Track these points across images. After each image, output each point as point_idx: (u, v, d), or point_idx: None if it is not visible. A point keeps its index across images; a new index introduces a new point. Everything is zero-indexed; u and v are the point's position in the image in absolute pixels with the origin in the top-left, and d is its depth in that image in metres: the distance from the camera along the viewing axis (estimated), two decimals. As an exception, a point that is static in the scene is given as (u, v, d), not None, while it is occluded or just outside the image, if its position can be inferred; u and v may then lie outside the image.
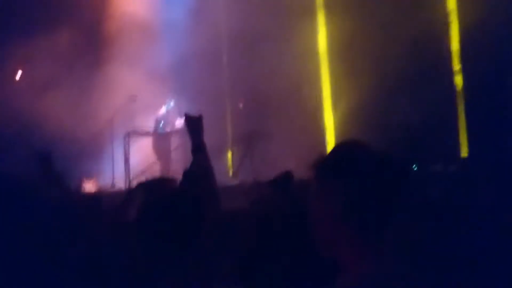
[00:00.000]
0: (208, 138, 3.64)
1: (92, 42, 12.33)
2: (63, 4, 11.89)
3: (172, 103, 12.05)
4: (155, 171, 11.04)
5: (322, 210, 1.86)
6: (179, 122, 12.12)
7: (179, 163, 11.21)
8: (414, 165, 11.13)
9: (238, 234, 2.48)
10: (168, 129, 11.84)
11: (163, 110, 12.04)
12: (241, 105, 12.10)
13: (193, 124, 3.69)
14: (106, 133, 12.03)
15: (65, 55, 11.62)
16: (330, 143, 11.54)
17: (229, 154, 12.48)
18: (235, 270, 2.43)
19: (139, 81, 11.88)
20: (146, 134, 11.93)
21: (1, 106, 11.22)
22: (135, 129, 11.86)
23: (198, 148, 3.57)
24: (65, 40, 11.56)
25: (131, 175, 11.41)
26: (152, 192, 4.99)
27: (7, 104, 11.28)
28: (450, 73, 10.68)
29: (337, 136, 11.47)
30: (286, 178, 3.88)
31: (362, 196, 1.80)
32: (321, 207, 1.87)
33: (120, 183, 11.37)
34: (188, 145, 3.67)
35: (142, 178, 11.08)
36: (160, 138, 11.91)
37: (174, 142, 11.95)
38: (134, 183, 11.32)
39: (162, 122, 11.89)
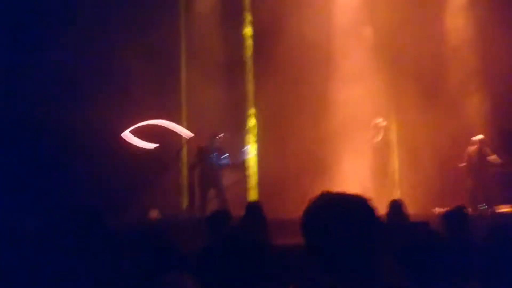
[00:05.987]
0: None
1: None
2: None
3: (222, 135, 11.69)
4: (215, 203, 11.12)
5: None
6: (242, 154, 12.07)
7: (238, 196, 11.28)
8: (483, 204, 10.93)
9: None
10: (221, 162, 11.59)
11: (215, 142, 11.64)
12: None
13: None
14: (173, 164, 12.24)
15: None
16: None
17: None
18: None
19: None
20: (209, 166, 11.81)
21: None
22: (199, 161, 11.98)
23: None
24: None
25: (195, 205, 11.63)
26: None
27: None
28: None
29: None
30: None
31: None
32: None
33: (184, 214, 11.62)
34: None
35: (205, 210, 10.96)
36: (214, 170, 11.61)
37: (232, 175, 12.08)
38: (198, 214, 11.33)
39: (216, 154, 11.55)
